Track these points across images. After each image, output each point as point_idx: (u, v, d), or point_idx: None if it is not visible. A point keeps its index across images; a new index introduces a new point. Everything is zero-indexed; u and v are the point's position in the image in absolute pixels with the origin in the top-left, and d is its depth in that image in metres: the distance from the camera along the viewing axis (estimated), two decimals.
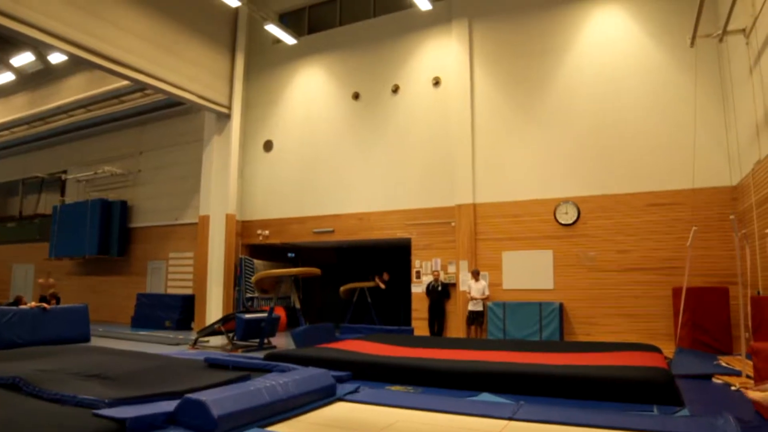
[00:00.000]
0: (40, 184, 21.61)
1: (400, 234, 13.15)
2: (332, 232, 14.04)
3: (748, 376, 6.16)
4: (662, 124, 10.78)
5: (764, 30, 7.60)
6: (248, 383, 4.99)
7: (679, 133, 10.50)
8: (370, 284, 13.83)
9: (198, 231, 15.36)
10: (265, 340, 10.86)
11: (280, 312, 13.34)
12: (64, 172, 20.36)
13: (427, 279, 12.52)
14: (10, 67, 19.52)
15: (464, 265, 12.07)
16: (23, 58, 19.09)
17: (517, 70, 12.31)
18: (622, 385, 5.58)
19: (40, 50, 17.74)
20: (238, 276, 14.73)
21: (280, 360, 7.04)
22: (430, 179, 12.89)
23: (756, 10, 7.82)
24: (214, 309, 14.41)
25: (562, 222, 11.43)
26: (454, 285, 12.22)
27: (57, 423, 3.97)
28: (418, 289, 12.74)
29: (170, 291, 16.59)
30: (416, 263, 12.92)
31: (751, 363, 5.63)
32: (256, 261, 15.07)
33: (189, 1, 14.02)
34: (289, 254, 16.73)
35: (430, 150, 12.98)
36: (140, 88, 15.74)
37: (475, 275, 11.46)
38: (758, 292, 7.97)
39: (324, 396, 5.37)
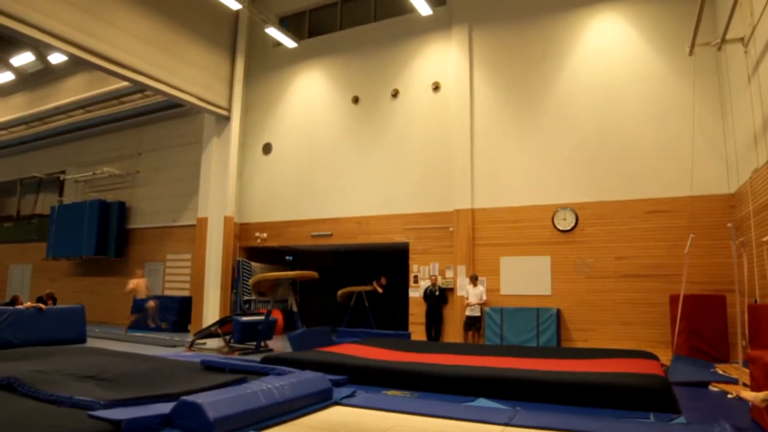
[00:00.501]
0: (38, 184, 21.59)
1: (398, 238, 13.15)
2: (330, 235, 14.03)
3: (744, 384, 6.17)
4: (661, 131, 10.81)
5: (762, 39, 7.64)
6: (244, 386, 4.97)
7: (677, 141, 10.54)
8: (368, 288, 13.82)
9: (196, 233, 15.35)
10: (262, 343, 10.84)
11: (277, 315, 13.33)
12: (63, 172, 20.34)
13: (424, 284, 12.51)
14: (10, 67, 19.52)
15: (462, 270, 12.07)
16: (23, 58, 19.10)
17: (516, 76, 12.35)
18: (619, 392, 5.58)
19: (40, 50, 17.76)
20: (235, 278, 14.71)
21: (276, 363, 7.03)
22: (429, 184, 12.90)
23: (754, 20, 7.86)
24: (211, 311, 14.39)
25: (560, 228, 11.44)
26: (451, 290, 12.22)
27: (52, 424, 3.96)
28: (415, 293, 12.73)
29: (167, 293, 16.55)
30: (414, 268, 12.92)
31: (747, 371, 5.63)
32: (253, 264, 15.05)
33: (190, 3, 14.04)
34: (287, 257, 16.72)
35: (429, 155, 12.99)
36: (140, 89, 15.76)
37: (473, 280, 11.46)
38: (755, 300, 7.98)
39: (320, 400, 5.36)
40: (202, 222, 15.16)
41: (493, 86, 12.57)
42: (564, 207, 11.44)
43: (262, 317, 11.00)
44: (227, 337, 10.92)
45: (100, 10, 11.65)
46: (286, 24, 15.70)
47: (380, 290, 13.73)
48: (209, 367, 6.58)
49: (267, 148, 15.41)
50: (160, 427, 4.22)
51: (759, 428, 4.52)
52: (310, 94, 14.99)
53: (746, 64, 8.39)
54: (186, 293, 15.73)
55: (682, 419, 5.04)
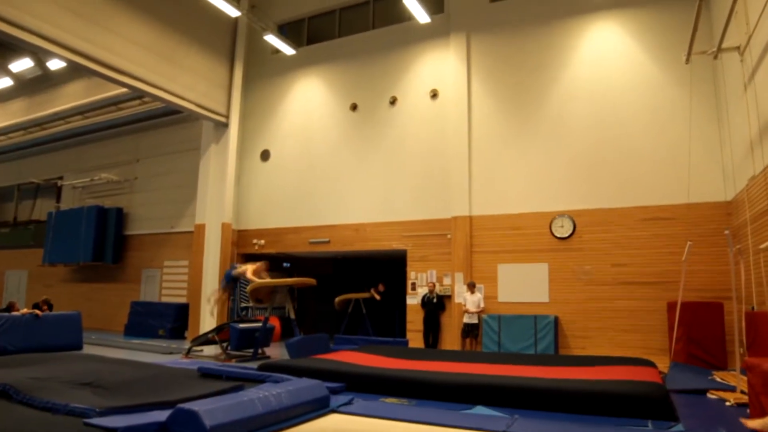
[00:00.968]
0: (35, 189, 21.53)
1: (395, 245, 13.15)
2: (328, 242, 14.02)
3: (742, 392, 6.16)
4: (658, 139, 10.85)
5: (758, 48, 7.69)
6: (241, 393, 4.95)
7: (674, 149, 10.57)
8: (366, 295, 13.80)
9: (194, 239, 15.32)
10: (259, 350, 10.80)
11: (274, 322, 13.27)
12: (60, 178, 20.30)
13: (422, 291, 12.49)
14: (9, 73, 19.56)
15: (460, 277, 12.07)
16: (22, 64, 19.14)
17: (514, 83, 12.39)
18: (617, 400, 5.57)
19: (39, 56, 17.79)
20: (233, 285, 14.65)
21: (273, 370, 7.00)
22: (427, 191, 12.91)
23: (750, 29, 7.91)
24: (208, 318, 14.32)
25: (558, 235, 11.45)
26: (449, 297, 12.21)
27: (47, 431, 3.93)
28: (413, 300, 12.72)
29: (164, 299, 16.50)
30: (412, 275, 12.90)
31: (745, 378, 5.63)
32: None
33: (189, 10, 14.07)
34: (285, 264, 16.69)
35: (426, 162, 13.01)
36: (138, 95, 15.78)
37: (471, 287, 11.45)
38: (753, 308, 7.99)
39: (317, 407, 5.33)
40: (200, 228, 15.13)
41: (491, 94, 12.61)
42: (562, 214, 11.46)
43: (260, 324, 10.97)
44: (224, 344, 10.88)
45: (99, 16, 11.68)
46: (285, 31, 15.76)
47: (378, 297, 13.71)
48: (206, 374, 6.55)
49: (265, 155, 15.42)
50: None
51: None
52: (309, 101, 15.02)
53: (742, 72, 8.44)
54: (183, 300, 15.68)
55: (680, 427, 5.03)
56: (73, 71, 17.01)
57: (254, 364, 8.21)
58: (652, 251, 10.61)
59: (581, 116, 11.59)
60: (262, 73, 15.87)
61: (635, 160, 10.99)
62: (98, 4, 11.68)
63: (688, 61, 9.39)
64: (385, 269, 15.15)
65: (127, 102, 17.07)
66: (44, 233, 19.14)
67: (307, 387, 5.45)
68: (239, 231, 15.33)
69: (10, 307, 10.34)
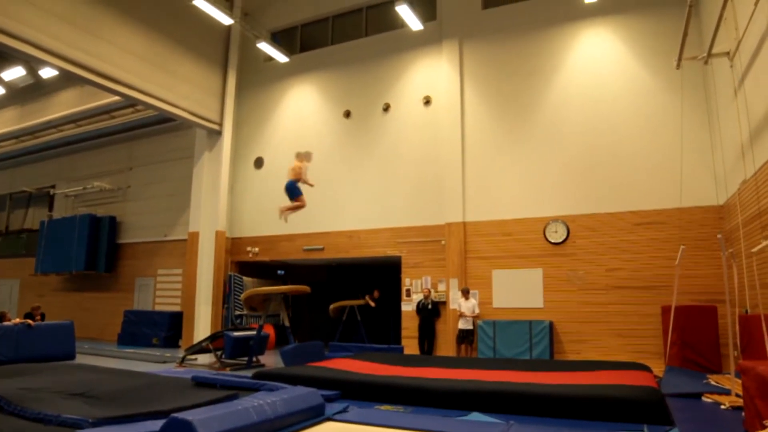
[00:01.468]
0: (27, 198, 21.42)
1: (390, 252, 13.14)
2: (322, 249, 14.00)
3: (737, 395, 6.17)
4: (650, 144, 10.92)
5: (747, 53, 7.76)
6: (236, 402, 4.91)
7: (666, 154, 10.64)
8: (360, 302, 13.77)
9: (187, 247, 15.26)
10: (254, 359, 10.75)
11: (269, 330, 13.23)
12: (53, 186, 20.19)
13: (417, 297, 12.48)
14: (1, 81, 19.47)
15: (454, 283, 12.07)
16: (14, 72, 19.07)
17: (506, 90, 12.45)
18: (612, 405, 5.56)
19: (32, 65, 17.72)
20: (227, 293, 14.61)
21: (268, 378, 6.96)
22: (421, 197, 12.93)
23: (739, 34, 7.99)
24: (202, 326, 14.26)
25: (552, 241, 11.48)
26: (444, 303, 12.20)
27: None
28: (408, 307, 12.69)
29: (158, 308, 16.41)
30: (406, 281, 12.89)
31: (740, 381, 5.64)
32: (245, 278, 14.97)
33: (182, 18, 14.08)
34: (279, 272, 16.64)
35: (420, 168, 13.04)
36: (131, 104, 15.77)
37: (465, 293, 11.45)
38: (746, 311, 8.02)
39: (312, 415, 5.30)
40: (194, 237, 15.07)
41: (484, 100, 12.66)
42: (555, 220, 11.49)
43: (254, 332, 10.92)
44: (219, 353, 10.81)
45: (92, 25, 11.67)
46: (278, 39, 15.79)
47: (373, 304, 13.68)
48: (200, 383, 6.51)
49: (259, 163, 15.41)
50: None
51: None
52: (302, 108, 15.03)
53: (732, 77, 8.51)
54: (177, 308, 15.59)
55: (675, 431, 5.03)
56: (66, 80, 16.97)
57: (249, 373, 8.16)
58: (645, 256, 10.66)
59: (574, 122, 11.66)
60: (256, 81, 15.88)
61: (628, 165, 11.05)
62: (91, 13, 11.68)
63: (678, 66, 9.46)
64: (379, 276, 15.13)
65: (120, 110, 17.04)
66: (36, 242, 19.02)
67: (302, 395, 5.42)
68: (233, 239, 15.28)
69: (2, 317, 10.25)
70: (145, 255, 17.23)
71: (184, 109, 14.11)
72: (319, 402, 5.48)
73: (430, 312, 12.10)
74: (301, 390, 5.62)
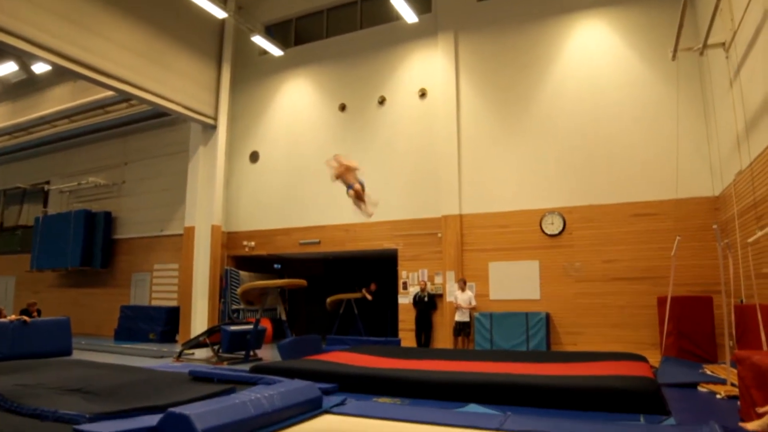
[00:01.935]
0: (22, 194, 21.32)
1: (386, 245, 13.14)
2: (318, 243, 13.98)
3: (733, 384, 6.21)
4: (646, 135, 10.92)
5: (743, 44, 7.76)
6: (233, 396, 4.91)
7: (662, 145, 10.65)
8: (357, 295, 13.78)
9: (183, 242, 15.23)
10: (251, 353, 10.75)
11: (266, 324, 13.21)
12: (47, 182, 20.10)
13: (413, 290, 12.50)
14: None
15: (451, 275, 12.08)
16: (6, 68, 18.88)
17: (502, 82, 12.43)
18: (609, 395, 5.58)
19: (24, 60, 17.57)
20: (223, 288, 14.60)
21: (265, 372, 6.96)
22: (417, 190, 12.92)
23: (735, 25, 7.98)
24: (199, 321, 14.25)
25: (548, 232, 11.49)
26: (441, 296, 12.21)
27: None
28: (405, 300, 12.71)
29: (155, 303, 16.39)
30: (403, 274, 12.90)
31: (735, 371, 5.67)
32: (241, 272, 14.95)
33: (175, 12, 13.98)
34: (276, 266, 16.63)
35: (416, 161, 13.02)
36: (125, 98, 15.67)
37: (462, 285, 11.45)
38: (741, 301, 8.05)
39: (310, 408, 5.30)
40: (190, 231, 15.04)
41: (480, 92, 12.64)
42: (552, 211, 11.50)
43: (251, 326, 10.92)
44: (216, 347, 10.81)
45: (85, 19, 11.57)
46: (272, 32, 15.70)
47: (369, 297, 13.69)
48: (197, 377, 6.50)
49: (254, 157, 15.36)
50: None
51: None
52: (297, 102, 14.97)
53: (728, 68, 8.51)
54: (174, 303, 15.57)
55: (671, 420, 5.06)
56: (59, 75, 16.85)
57: (246, 367, 8.17)
58: (641, 247, 10.68)
59: (569, 114, 11.65)
60: (250, 75, 15.80)
61: (624, 157, 11.05)
62: (84, 7, 11.58)
63: (674, 57, 9.46)
64: (376, 269, 15.14)
65: (114, 105, 16.94)
66: (31, 238, 18.94)
67: (300, 388, 5.42)
68: (229, 233, 15.25)
69: None
70: (141, 250, 17.19)
71: (178, 104, 14.03)
72: (316, 395, 5.48)
73: (427, 304, 12.11)
74: (298, 383, 5.62)
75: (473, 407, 5.75)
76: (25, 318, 9.71)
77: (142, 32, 13.04)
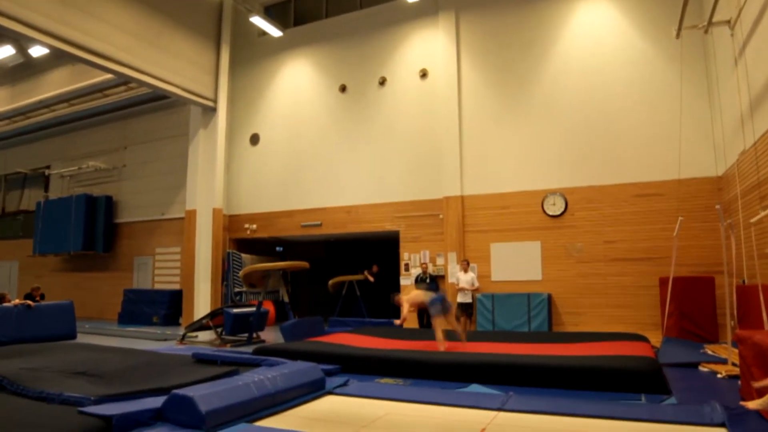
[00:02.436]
0: (22, 179, 21.29)
1: (388, 227, 13.13)
2: (320, 225, 13.98)
3: (734, 364, 6.23)
4: (649, 115, 10.83)
5: (749, 21, 7.64)
6: (236, 378, 4.95)
7: (665, 124, 10.56)
8: (359, 277, 13.81)
9: (185, 226, 15.24)
10: (254, 335, 10.81)
11: (268, 306, 13.29)
12: (48, 167, 20.07)
13: (415, 271, 12.51)
14: None
15: (453, 257, 12.09)
16: (3, 52, 18.69)
17: (504, 61, 12.30)
18: (610, 375, 5.62)
19: (21, 43, 17.41)
20: (225, 271, 14.64)
21: (268, 354, 7.01)
22: (418, 171, 12.87)
23: (740, 2, 7.85)
24: (202, 304, 14.33)
25: (550, 213, 11.47)
26: (442, 277, 12.23)
27: (41, 422, 3.92)
28: (407, 281, 12.73)
29: (157, 286, 16.46)
30: (405, 256, 12.91)
31: (736, 351, 5.69)
32: (243, 255, 14.98)
33: None
34: (278, 248, 16.66)
35: (417, 142, 12.95)
36: (124, 81, 15.56)
37: (465, 266, 11.43)
38: (743, 281, 8.06)
39: (313, 390, 5.35)
40: (191, 215, 15.04)
41: (481, 72, 12.51)
42: (553, 192, 11.46)
43: (254, 309, 10.96)
44: (219, 330, 10.88)
45: (82, 2, 11.43)
46: (271, 13, 15.52)
47: (371, 279, 13.72)
48: (201, 359, 6.56)
49: (254, 139, 15.29)
50: (152, 421, 4.19)
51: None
52: (297, 83, 14.86)
53: (733, 46, 8.40)
54: (176, 287, 15.63)
55: (673, 400, 5.09)
56: (57, 58, 16.71)
57: (249, 349, 8.22)
58: (643, 227, 10.66)
59: (572, 93, 11.54)
60: (250, 56, 15.66)
61: (626, 137, 10.97)
62: None
63: (678, 36, 9.33)
64: (378, 251, 15.15)
65: (113, 88, 16.83)
66: (33, 223, 18.98)
67: (302, 370, 5.47)
68: (230, 216, 15.25)
69: (1, 299, 10.25)
70: (142, 234, 17.21)
71: (177, 86, 13.93)
72: (319, 376, 5.53)
73: (429, 286, 12.12)
74: (301, 365, 5.67)
75: (475, 387, 5.78)
76: (29, 302, 9.75)
77: (140, 14, 12.89)
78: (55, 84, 17.60)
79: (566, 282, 11.17)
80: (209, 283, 14.50)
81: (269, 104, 15.18)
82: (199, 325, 11.11)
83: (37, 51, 17.58)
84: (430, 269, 12.26)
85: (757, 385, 4.28)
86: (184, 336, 11.09)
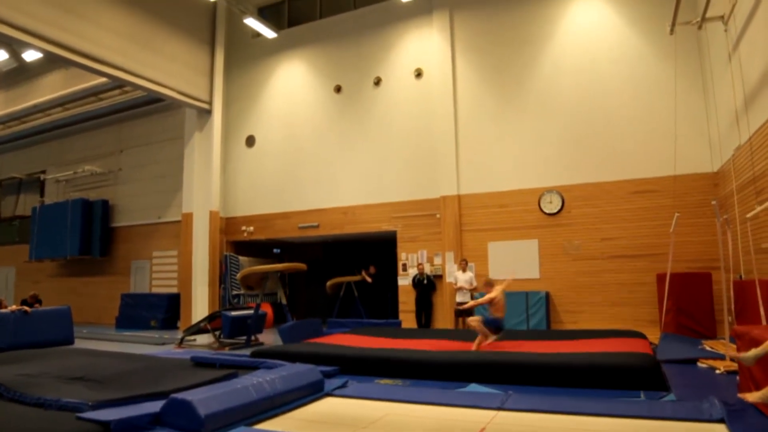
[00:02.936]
0: (18, 185, 21.21)
1: (385, 227, 13.13)
2: (317, 226, 13.97)
3: (732, 360, 6.24)
4: (644, 111, 10.85)
5: (742, 16, 7.66)
6: (235, 381, 4.93)
7: (660, 121, 10.58)
8: (357, 278, 13.79)
9: (182, 229, 15.21)
10: (252, 337, 10.79)
11: (266, 308, 13.26)
12: (43, 172, 20.00)
13: (413, 271, 12.50)
14: None
15: (450, 256, 12.09)
16: None
17: (499, 60, 12.30)
18: (609, 372, 5.62)
19: (14, 48, 17.36)
20: (223, 273, 14.61)
21: (267, 356, 7.00)
22: (414, 171, 12.87)
23: None
24: (200, 307, 14.29)
25: (547, 211, 11.47)
26: (440, 277, 12.23)
27: (39, 428, 3.90)
28: (404, 281, 12.74)
29: (155, 290, 16.42)
30: (402, 256, 12.91)
31: (734, 346, 5.70)
32: (241, 258, 14.95)
33: None
34: (275, 250, 16.63)
35: (413, 142, 12.95)
36: (119, 85, 15.51)
37: (463, 265, 11.43)
38: (740, 276, 8.07)
39: (312, 392, 5.33)
40: (188, 218, 15.01)
41: (476, 71, 12.52)
42: (550, 190, 11.47)
43: (252, 311, 10.94)
44: (217, 333, 10.85)
45: (74, 5, 11.40)
46: (265, 14, 15.49)
47: (369, 280, 13.70)
48: (199, 363, 6.53)
49: (250, 141, 15.27)
50: (150, 426, 4.17)
51: (747, 403, 4.57)
52: (292, 84, 14.84)
53: (726, 42, 8.42)
54: (174, 290, 15.60)
55: (671, 396, 5.09)
56: (51, 62, 16.64)
57: (247, 351, 8.20)
58: (640, 224, 10.68)
59: (567, 91, 11.55)
60: (244, 58, 15.63)
61: (622, 134, 10.99)
62: None
63: (672, 32, 9.35)
64: (375, 251, 15.14)
65: (107, 92, 16.77)
66: (29, 229, 18.89)
67: (301, 372, 5.45)
68: (227, 218, 15.23)
69: None
70: (139, 238, 17.16)
71: (172, 89, 13.89)
72: (318, 378, 5.51)
73: (426, 286, 12.14)
74: (299, 367, 5.65)
75: (474, 387, 5.78)
76: (26, 308, 9.71)
77: (133, 17, 12.85)
78: (50, 88, 17.53)
79: (564, 280, 11.18)
80: (207, 286, 14.47)
81: (264, 106, 15.16)
82: (197, 329, 11.08)
83: (30, 55, 17.50)
84: (428, 269, 12.27)
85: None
86: (182, 340, 11.06)
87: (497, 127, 12.13)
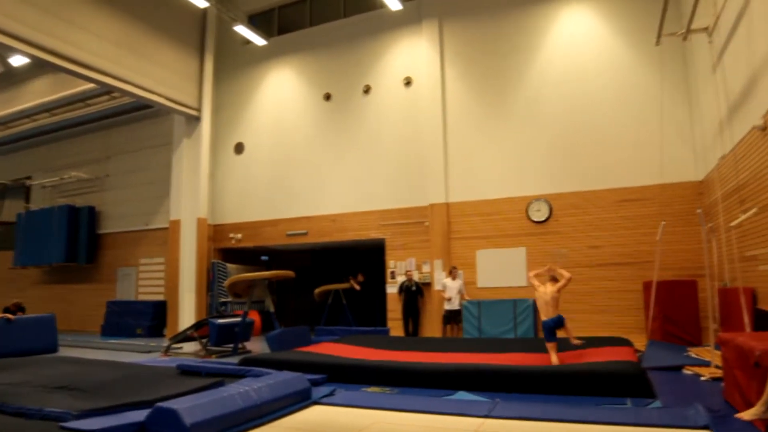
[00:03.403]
0: (3, 190, 20.95)
1: (374, 234, 13.13)
2: (306, 234, 13.93)
3: (717, 366, 6.30)
4: (630, 121, 10.97)
5: (726, 28, 7.79)
6: (222, 389, 4.90)
7: (646, 130, 10.71)
8: (345, 286, 13.75)
9: (169, 236, 15.09)
10: (240, 345, 10.70)
11: (254, 316, 13.15)
12: (29, 177, 19.77)
13: (401, 279, 12.49)
14: None
15: (438, 264, 12.10)
16: None
17: (487, 69, 12.40)
18: (595, 380, 5.65)
19: (1, 53, 17.21)
20: (210, 281, 14.51)
21: (254, 364, 6.96)
22: (403, 179, 12.89)
23: (717, 9, 8.01)
24: (186, 315, 14.17)
25: (535, 219, 11.54)
26: (428, 284, 12.24)
27: None
28: (393, 289, 12.72)
29: (141, 297, 16.25)
30: (391, 263, 12.90)
31: (719, 353, 5.76)
32: (229, 265, 14.86)
33: (156, 1, 13.74)
34: (263, 257, 16.50)
35: (402, 150, 12.99)
36: (107, 91, 15.42)
37: (452, 273, 11.44)
38: (725, 284, 8.16)
39: (299, 400, 5.31)
40: (175, 225, 14.91)
41: (465, 80, 12.60)
42: (538, 198, 11.54)
43: (239, 319, 10.87)
44: (204, 341, 10.76)
45: (62, 10, 11.33)
46: (255, 22, 15.50)
47: (357, 287, 13.67)
48: (186, 371, 6.49)
49: (239, 148, 15.23)
50: None
51: (731, 409, 4.61)
52: (282, 92, 14.84)
53: (711, 53, 8.55)
54: (161, 297, 15.46)
55: (657, 403, 5.12)
56: (38, 67, 16.53)
57: (235, 359, 8.14)
58: (626, 232, 10.77)
59: (555, 100, 11.66)
60: (234, 65, 15.62)
61: (608, 143, 11.10)
62: None
63: (658, 43, 9.49)
64: (364, 259, 15.12)
65: (95, 98, 16.66)
66: (14, 235, 18.64)
67: (288, 380, 5.42)
68: (215, 226, 15.15)
69: None
70: (126, 244, 17.00)
71: (160, 95, 13.84)
72: (305, 386, 5.49)
73: (414, 293, 12.12)
74: (287, 375, 5.63)
75: (462, 395, 5.78)
76: (9, 316, 9.56)
77: (122, 23, 12.80)
78: (37, 93, 17.40)
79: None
80: (194, 293, 14.35)
81: (254, 113, 15.14)
82: (184, 337, 10.98)
83: (17, 60, 17.40)
84: (416, 277, 12.27)
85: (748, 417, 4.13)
86: (168, 347, 10.94)
87: (486, 135, 12.21)
